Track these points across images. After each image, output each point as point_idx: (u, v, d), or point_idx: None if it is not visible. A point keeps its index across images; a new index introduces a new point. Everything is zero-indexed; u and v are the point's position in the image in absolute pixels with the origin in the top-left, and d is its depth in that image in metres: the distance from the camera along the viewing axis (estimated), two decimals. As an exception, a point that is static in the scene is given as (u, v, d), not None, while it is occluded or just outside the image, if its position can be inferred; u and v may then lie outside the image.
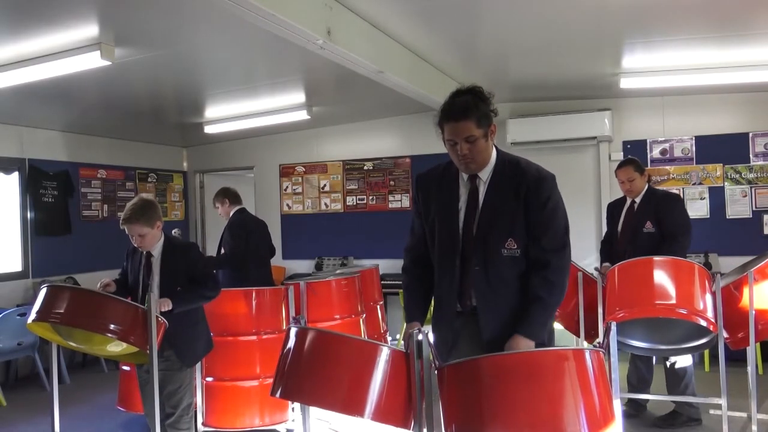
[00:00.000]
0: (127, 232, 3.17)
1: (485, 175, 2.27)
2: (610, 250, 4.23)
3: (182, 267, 3.23)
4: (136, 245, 3.23)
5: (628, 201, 4.19)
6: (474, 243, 2.24)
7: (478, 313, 2.24)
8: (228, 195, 5.21)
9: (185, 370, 3.27)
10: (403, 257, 2.49)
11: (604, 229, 6.07)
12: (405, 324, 2.42)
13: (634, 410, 4.29)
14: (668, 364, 4.00)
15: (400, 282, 2.53)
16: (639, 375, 4.23)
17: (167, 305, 3.01)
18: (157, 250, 3.24)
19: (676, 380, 3.97)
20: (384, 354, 1.86)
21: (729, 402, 3.49)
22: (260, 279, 5.09)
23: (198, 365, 3.89)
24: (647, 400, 4.25)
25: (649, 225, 4.01)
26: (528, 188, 2.21)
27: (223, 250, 5.15)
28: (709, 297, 3.35)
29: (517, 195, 2.21)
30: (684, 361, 3.94)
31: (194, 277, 3.24)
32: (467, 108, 2.16)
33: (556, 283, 2.20)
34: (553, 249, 2.20)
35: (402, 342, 2.25)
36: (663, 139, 6.09)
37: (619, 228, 4.20)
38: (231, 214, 5.21)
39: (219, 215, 5.34)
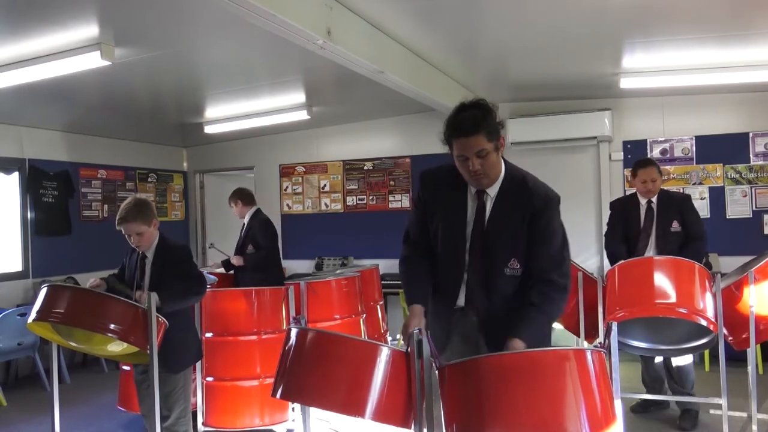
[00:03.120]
0: (124, 232, 3.15)
1: (493, 191, 2.25)
2: (628, 249, 4.15)
3: (169, 267, 3.20)
4: (134, 245, 3.21)
5: (643, 201, 4.17)
6: (479, 260, 2.23)
7: (479, 319, 2.26)
8: (241, 196, 5.44)
9: (179, 373, 3.25)
10: (403, 246, 2.44)
11: (605, 228, 6.14)
12: (408, 310, 2.35)
13: (643, 408, 4.37)
14: (673, 364, 4.03)
15: (400, 282, 2.44)
16: (651, 375, 4.26)
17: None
18: (151, 251, 3.23)
19: (682, 380, 4.01)
20: (384, 354, 1.86)
21: (729, 402, 3.49)
22: (281, 278, 5.51)
23: (198, 365, 3.90)
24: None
25: (675, 224, 4.06)
26: (534, 208, 2.19)
27: (251, 247, 5.30)
28: (709, 296, 3.35)
29: (523, 215, 2.20)
30: (685, 360, 3.98)
31: (178, 276, 3.18)
32: (477, 122, 2.12)
33: (557, 300, 2.21)
34: (552, 268, 2.20)
35: (402, 336, 2.22)
36: (663, 139, 6.09)
37: (641, 227, 4.16)
38: (249, 214, 5.41)
39: (234, 214, 5.51)
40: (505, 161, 2.28)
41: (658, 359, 4.18)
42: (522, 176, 2.27)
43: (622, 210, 4.31)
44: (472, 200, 2.27)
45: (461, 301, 2.29)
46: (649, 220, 4.14)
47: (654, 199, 4.14)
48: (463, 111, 2.18)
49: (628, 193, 5.92)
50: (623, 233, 4.25)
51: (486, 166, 2.15)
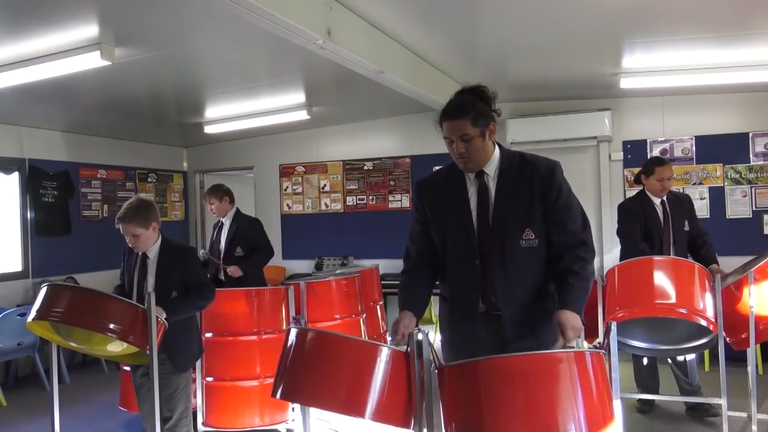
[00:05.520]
0: (121, 231, 3.15)
1: (492, 170, 2.27)
2: (653, 250, 4.05)
3: (178, 271, 3.20)
4: (130, 245, 3.20)
5: (656, 200, 4.14)
6: (491, 238, 2.22)
7: (501, 313, 2.21)
8: (230, 194, 5.17)
9: (180, 374, 3.25)
10: (404, 262, 2.44)
11: (605, 229, 6.16)
12: (399, 313, 2.29)
13: (649, 407, 4.38)
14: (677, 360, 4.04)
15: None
16: (655, 375, 4.29)
17: (161, 314, 2.97)
18: (153, 252, 3.22)
19: (692, 375, 4.05)
20: (384, 354, 1.86)
21: (729, 402, 3.49)
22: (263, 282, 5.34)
23: (198, 365, 3.90)
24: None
25: (686, 224, 4.12)
26: (542, 178, 2.22)
27: (239, 249, 5.07)
28: (709, 297, 3.35)
29: (531, 186, 2.22)
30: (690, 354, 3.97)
31: (190, 283, 3.20)
32: (463, 107, 2.17)
33: (589, 259, 2.24)
34: (579, 230, 2.25)
35: (390, 333, 2.16)
36: (663, 139, 6.09)
37: (662, 228, 4.11)
38: (231, 214, 5.16)
39: (211, 211, 5.23)
40: (500, 146, 2.31)
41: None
42: (519, 154, 2.33)
43: (642, 211, 4.17)
44: (473, 185, 2.28)
45: (481, 303, 2.25)
46: (666, 220, 4.13)
47: (664, 199, 4.14)
48: (456, 95, 2.24)
49: (628, 193, 5.94)
50: (645, 234, 4.12)
51: (470, 150, 2.18)
